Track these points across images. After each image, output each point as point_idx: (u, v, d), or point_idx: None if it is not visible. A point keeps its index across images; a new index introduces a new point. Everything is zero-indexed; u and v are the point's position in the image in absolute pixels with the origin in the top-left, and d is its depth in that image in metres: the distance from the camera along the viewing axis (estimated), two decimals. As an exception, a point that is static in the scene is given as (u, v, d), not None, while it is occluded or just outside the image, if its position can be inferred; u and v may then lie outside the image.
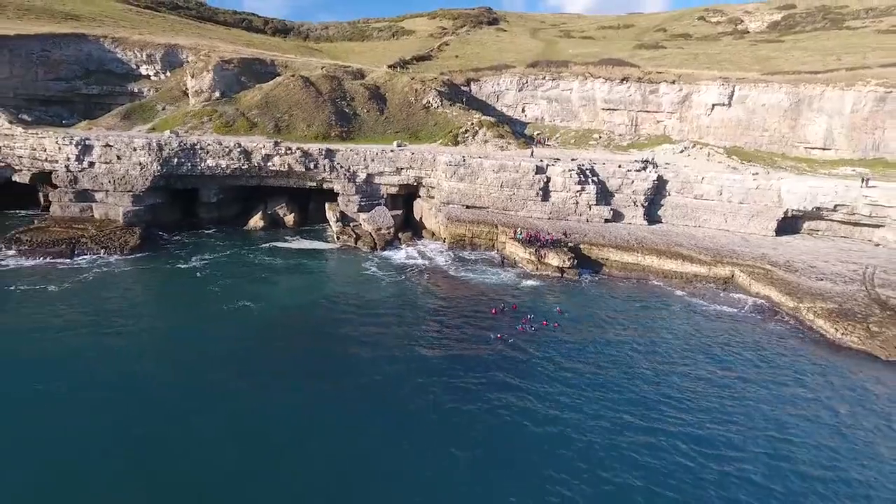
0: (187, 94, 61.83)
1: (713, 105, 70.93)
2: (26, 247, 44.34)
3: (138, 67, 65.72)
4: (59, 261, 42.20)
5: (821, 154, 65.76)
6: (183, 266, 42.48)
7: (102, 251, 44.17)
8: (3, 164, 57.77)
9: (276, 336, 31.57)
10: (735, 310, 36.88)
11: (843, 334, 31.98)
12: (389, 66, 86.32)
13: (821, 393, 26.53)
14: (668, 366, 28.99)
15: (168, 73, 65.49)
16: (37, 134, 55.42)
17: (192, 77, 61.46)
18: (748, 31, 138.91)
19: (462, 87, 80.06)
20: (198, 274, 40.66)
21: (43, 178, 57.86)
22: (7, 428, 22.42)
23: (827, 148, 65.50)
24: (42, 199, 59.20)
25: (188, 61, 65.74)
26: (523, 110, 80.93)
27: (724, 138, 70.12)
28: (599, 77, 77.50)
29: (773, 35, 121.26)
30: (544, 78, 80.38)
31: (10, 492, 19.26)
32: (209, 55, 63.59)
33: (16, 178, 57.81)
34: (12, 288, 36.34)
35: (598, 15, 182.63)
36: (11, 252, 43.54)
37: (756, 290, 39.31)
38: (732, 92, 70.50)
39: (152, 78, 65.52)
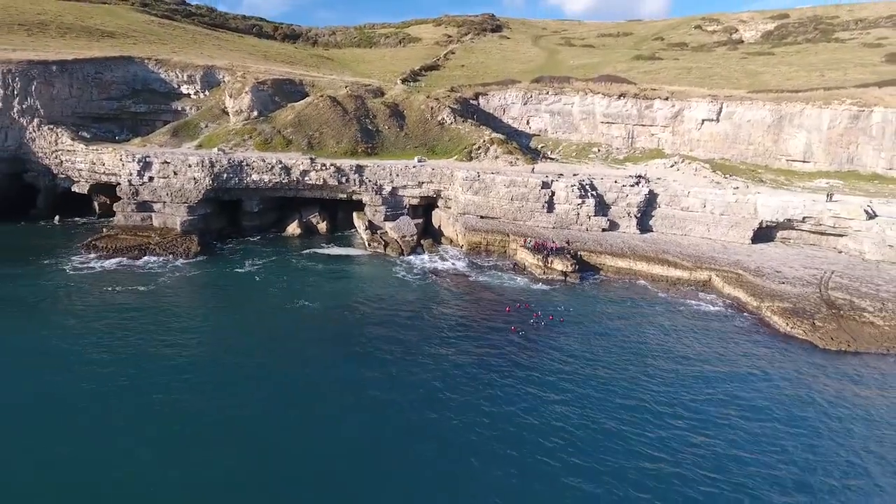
0: (226, 113, 69.90)
1: (703, 120, 79.19)
2: (103, 252, 52.53)
3: (179, 87, 73.73)
4: (135, 264, 50.39)
5: (801, 166, 74.10)
6: (240, 270, 50.65)
7: (170, 256, 52.38)
8: (63, 176, 66.02)
9: (332, 329, 39.71)
10: (709, 308, 45.18)
11: (791, 328, 40.31)
12: (402, 80, 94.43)
13: (766, 372, 34.74)
14: (649, 352, 37.19)
15: (207, 92, 73.52)
16: (97, 150, 63.62)
17: (231, 97, 69.52)
18: (742, 41, 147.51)
19: (471, 101, 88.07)
20: (256, 278, 48.85)
21: (99, 189, 66.12)
22: (128, 400, 30.42)
23: (806, 161, 73.86)
24: (97, 207, 67.48)
25: (224, 81, 73.73)
26: (528, 123, 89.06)
27: (713, 151, 78.56)
28: (599, 93, 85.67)
29: (764, 47, 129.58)
30: (547, 93, 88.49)
31: (128, 462, 27.12)
32: (245, 76, 71.60)
33: (75, 188, 66.09)
34: (109, 288, 44.51)
35: (597, 22, 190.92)
36: (92, 256, 51.72)
37: (727, 292, 47.64)
38: (720, 108, 78.67)
39: (192, 97, 73.52)
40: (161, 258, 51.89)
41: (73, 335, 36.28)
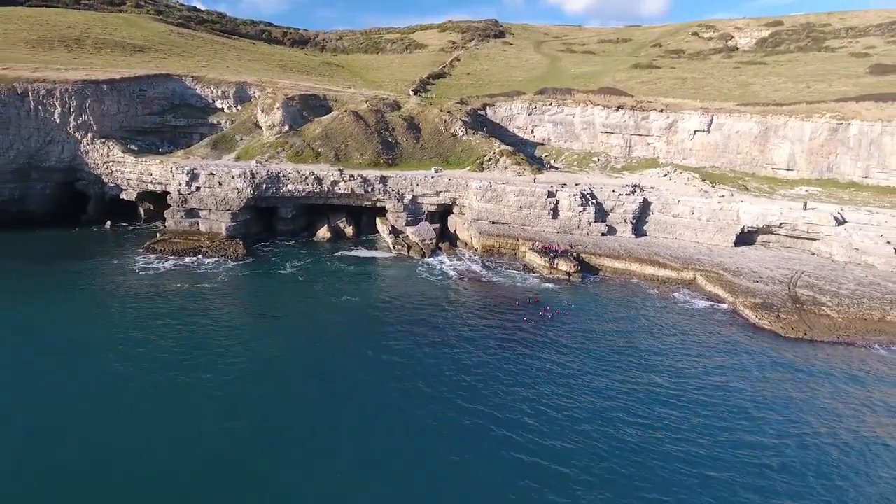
0: (258, 126, 78.16)
1: (695, 131, 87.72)
2: (162, 254, 60.86)
3: (214, 101, 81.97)
4: (192, 265, 58.70)
5: (785, 174, 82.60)
6: (283, 271, 59.00)
7: (221, 258, 60.71)
8: (113, 185, 74.26)
9: (373, 319, 48.01)
10: (692, 303, 53.59)
11: (759, 319, 48.78)
12: (414, 91, 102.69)
13: (734, 356, 43.18)
14: (639, 340, 45.55)
15: (239, 107, 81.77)
16: (145, 161, 71.91)
17: (263, 112, 77.78)
18: (737, 48, 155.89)
19: (479, 112, 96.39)
20: (299, 277, 57.22)
21: (144, 196, 74.39)
22: (200, 386, 38.67)
23: (790, 169, 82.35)
24: (142, 213, 75.73)
25: (255, 96, 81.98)
26: (532, 132, 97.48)
27: (704, 159, 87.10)
28: (598, 104, 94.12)
29: (758, 55, 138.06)
30: (550, 104, 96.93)
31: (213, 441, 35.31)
32: (275, 92, 79.81)
33: (123, 195, 74.34)
34: (178, 285, 52.86)
35: (597, 28, 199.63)
36: (153, 257, 60.06)
37: (709, 290, 56.08)
38: (711, 120, 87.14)
39: (226, 111, 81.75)
40: (214, 260, 60.23)
41: (157, 325, 44.54)
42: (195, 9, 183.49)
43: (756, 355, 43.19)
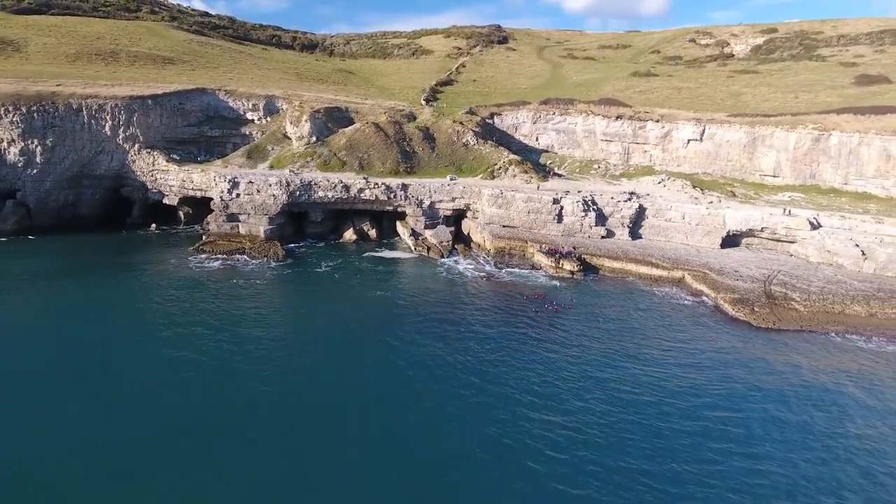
0: (287, 137, 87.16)
1: (689, 140, 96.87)
2: (210, 254, 69.90)
3: (245, 113, 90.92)
4: (238, 264, 67.74)
5: (771, 180, 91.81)
6: (319, 270, 68.06)
7: (264, 258, 69.74)
8: (156, 191, 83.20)
9: (404, 310, 56.98)
10: (679, 299, 62.76)
11: (735, 312, 58.00)
12: (425, 100, 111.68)
13: (713, 342, 52.37)
14: (632, 329, 54.58)
15: (269, 118, 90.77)
16: (187, 170, 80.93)
17: (292, 124, 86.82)
18: (732, 55, 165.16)
19: (487, 120, 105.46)
20: (335, 275, 66.32)
21: (185, 202, 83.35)
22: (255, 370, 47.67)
23: (776, 176, 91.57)
24: (182, 217, 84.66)
25: (283, 108, 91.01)
26: (537, 139, 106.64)
27: (697, 166, 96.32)
28: (599, 114, 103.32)
29: (751, 63, 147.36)
30: (554, 113, 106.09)
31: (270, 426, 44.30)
32: (301, 105, 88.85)
33: (165, 200, 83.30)
34: (233, 281, 61.91)
35: (598, 33, 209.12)
36: (203, 257, 69.10)
37: (695, 287, 65.27)
38: (704, 130, 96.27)
39: (256, 122, 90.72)
40: (257, 260, 69.26)
41: (224, 311, 53.56)
42: (206, 14, 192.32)
43: (730, 341, 52.40)
